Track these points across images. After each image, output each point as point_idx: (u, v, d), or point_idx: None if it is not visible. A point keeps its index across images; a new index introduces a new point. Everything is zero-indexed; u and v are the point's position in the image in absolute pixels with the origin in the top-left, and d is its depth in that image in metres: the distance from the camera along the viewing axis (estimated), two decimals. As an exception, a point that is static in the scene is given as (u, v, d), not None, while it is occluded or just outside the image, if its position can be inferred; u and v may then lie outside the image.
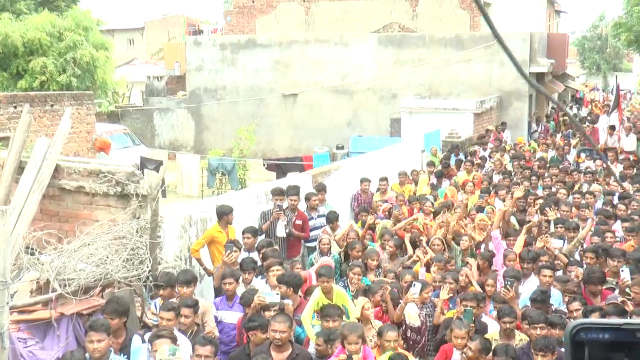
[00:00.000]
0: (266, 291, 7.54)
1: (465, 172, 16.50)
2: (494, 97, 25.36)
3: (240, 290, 8.42)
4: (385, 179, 14.57)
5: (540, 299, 7.92)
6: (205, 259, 9.98)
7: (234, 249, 9.16)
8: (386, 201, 13.61)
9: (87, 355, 6.23)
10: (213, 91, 29.66)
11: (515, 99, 25.94)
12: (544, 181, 15.31)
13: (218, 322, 7.97)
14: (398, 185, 15.15)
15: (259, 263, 9.29)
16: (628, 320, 0.94)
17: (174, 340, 6.30)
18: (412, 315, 8.03)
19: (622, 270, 8.40)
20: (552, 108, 33.92)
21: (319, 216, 12.03)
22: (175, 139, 30.26)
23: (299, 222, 11.33)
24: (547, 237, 10.43)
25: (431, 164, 17.20)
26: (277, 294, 7.45)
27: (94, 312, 7.45)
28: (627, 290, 8.08)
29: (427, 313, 8.19)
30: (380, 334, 7.09)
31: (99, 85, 26.53)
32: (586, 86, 50.98)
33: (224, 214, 10.10)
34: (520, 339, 7.33)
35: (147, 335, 6.79)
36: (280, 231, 10.88)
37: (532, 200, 13.37)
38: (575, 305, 7.85)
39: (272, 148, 28.21)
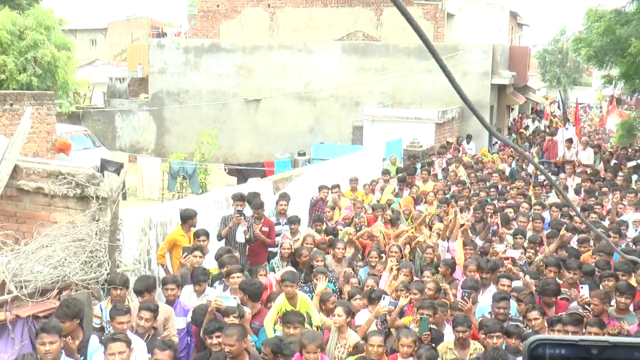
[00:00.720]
0: (224, 296, 7.52)
1: (422, 182, 16.68)
2: (456, 107, 25.66)
3: (189, 296, 8.37)
4: (338, 186, 14.64)
5: (503, 296, 8.17)
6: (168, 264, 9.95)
7: (198, 254, 9.13)
8: (334, 207, 13.65)
9: (38, 357, 6.18)
10: (175, 94, 29.52)
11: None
12: (506, 194, 15.47)
13: None
14: (350, 192, 15.22)
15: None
16: (584, 337, 0.99)
17: (128, 343, 6.26)
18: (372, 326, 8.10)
19: (582, 287, 8.59)
20: (513, 119, 34.41)
21: (285, 222, 12.05)
22: (136, 141, 30.03)
23: (265, 229, 11.30)
24: (492, 246, 10.78)
25: (386, 172, 17.28)
26: (235, 298, 7.42)
27: (50, 315, 7.38)
28: (586, 306, 8.26)
29: (382, 320, 8.27)
30: (365, 339, 7.13)
31: (60, 85, 26.22)
32: (546, 99, 51.76)
33: (188, 218, 10.07)
34: (475, 348, 7.41)
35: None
36: (240, 237, 10.84)
37: (489, 211, 13.57)
38: (534, 314, 7.98)
39: (234, 153, 28.15)
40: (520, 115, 36.40)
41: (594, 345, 1.00)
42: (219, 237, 10.94)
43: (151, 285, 7.88)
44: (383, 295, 8.06)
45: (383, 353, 7.01)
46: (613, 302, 8.44)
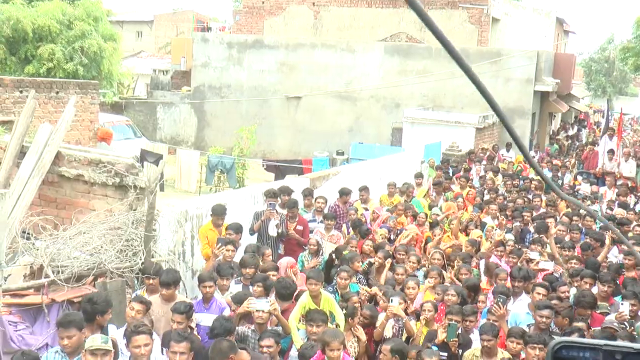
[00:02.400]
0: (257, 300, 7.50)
1: (459, 187, 16.57)
2: (497, 113, 25.34)
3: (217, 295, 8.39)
4: (366, 188, 14.20)
5: (547, 305, 8.03)
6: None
7: (231, 247, 9.18)
8: (366, 209, 13.53)
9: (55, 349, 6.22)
10: (217, 89, 29.74)
11: (518, 116, 25.99)
12: (537, 203, 15.34)
13: (195, 325, 7.71)
14: (387, 197, 14.94)
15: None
16: (609, 342, 0.97)
17: (151, 334, 6.28)
18: (387, 328, 8.04)
19: (622, 304, 8.34)
20: (557, 128, 33.93)
21: (321, 220, 12.03)
22: (176, 133, 30.32)
23: (300, 227, 11.31)
24: (526, 253, 10.69)
25: (419, 175, 16.99)
26: (267, 301, 7.37)
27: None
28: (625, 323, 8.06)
29: (400, 326, 8.17)
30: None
31: (104, 75, 26.61)
32: (590, 107, 50.99)
33: (215, 214, 10.07)
34: (502, 357, 7.32)
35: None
36: (272, 230, 10.86)
37: (528, 217, 13.60)
38: (580, 325, 7.86)
39: (272, 149, 28.27)
40: (562, 124, 35.91)
41: (618, 350, 0.97)
42: (252, 232, 11.00)
43: (178, 279, 7.88)
44: (391, 298, 7.99)
45: None
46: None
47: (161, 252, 9.13)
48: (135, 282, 8.35)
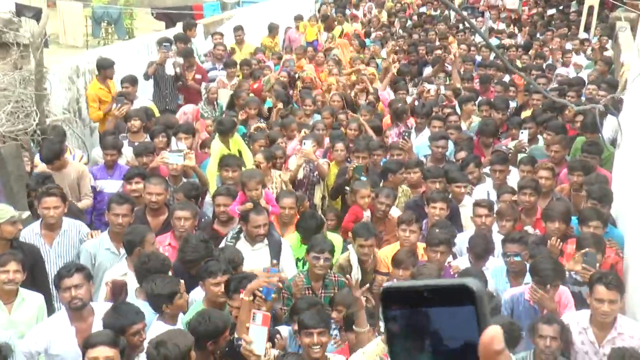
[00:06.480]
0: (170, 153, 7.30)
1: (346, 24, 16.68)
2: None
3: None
4: (240, 28, 13.52)
5: (442, 135, 8.48)
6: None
7: (125, 101, 8.87)
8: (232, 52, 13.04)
9: None
10: None
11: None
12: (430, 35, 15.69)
13: (98, 192, 7.48)
14: (268, 38, 14.47)
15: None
16: (427, 282, 0.96)
17: (63, 198, 6.06)
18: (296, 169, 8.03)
19: (522, 132, 8.53)
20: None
21: (222, 68, 11.72)
22: (54, -15, 28.40)
23: (198, 76, 11.01)
24: (423, 86, 10.97)
25: (299, 17, 16.31)
26: (180, 155, 7.14)
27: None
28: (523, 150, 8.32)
29: (310, 168, 8.21)
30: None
31: None
32: None
33: (102, 68, 9.56)
34: (402, 189, 7.62)
35: None
36: (170, 69, 10.47)
37: (422, 51, 13.85)
38: (462, 154, 8.17)
39: (160, -4, 26.97)
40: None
41: (429, 289, 0.98)
42: (146, 77, 10.56)
43: (58, 151, 7.29)
44: (304, 141, 8.00)
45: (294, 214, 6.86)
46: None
47: (55, 111, 8.74)
48: (32, 144, 8.00)
